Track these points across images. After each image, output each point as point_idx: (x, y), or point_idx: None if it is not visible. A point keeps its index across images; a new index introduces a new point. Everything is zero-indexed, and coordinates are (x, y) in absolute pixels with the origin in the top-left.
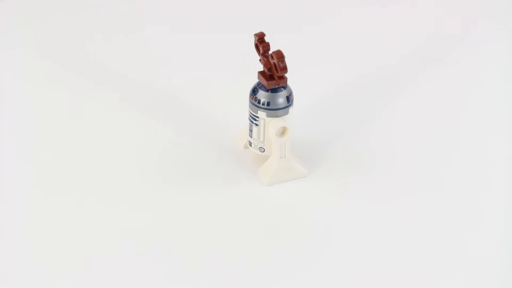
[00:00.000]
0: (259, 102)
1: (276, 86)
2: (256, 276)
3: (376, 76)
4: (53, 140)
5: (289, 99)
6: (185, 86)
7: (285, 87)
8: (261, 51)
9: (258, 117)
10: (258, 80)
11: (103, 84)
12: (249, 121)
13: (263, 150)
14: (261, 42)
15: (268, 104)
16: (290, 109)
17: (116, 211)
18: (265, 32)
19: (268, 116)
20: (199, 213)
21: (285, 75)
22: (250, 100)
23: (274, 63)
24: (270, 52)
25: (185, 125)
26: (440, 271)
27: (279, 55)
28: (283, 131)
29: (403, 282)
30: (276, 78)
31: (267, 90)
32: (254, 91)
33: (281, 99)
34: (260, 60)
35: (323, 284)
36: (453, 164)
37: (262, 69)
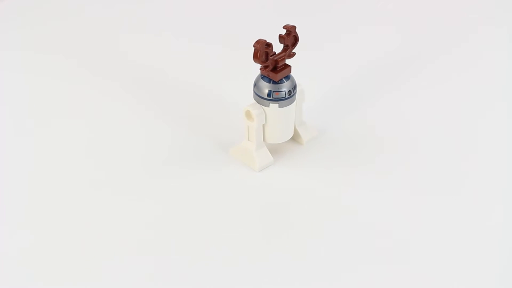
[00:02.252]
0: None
1: (262, 74)
2: (264, 265)
3: (383, 67)
4: (59, 134)
5: (271, 94)
6: (192, 77)
7: (273, 81)
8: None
9: None
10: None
11: (105, 79)
12: None
13: None
14: (287, 35)
15: (254, 85)
16: (273, 105)
17: (121, 203)
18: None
19: (254, 97)
20: (208, 203)
21: (278, 71)
22: None
23: None
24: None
25: (189, 117)
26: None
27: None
28: (246, 114)
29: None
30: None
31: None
32: None
33: (260, 88)
34: None
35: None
36: (461, 158)
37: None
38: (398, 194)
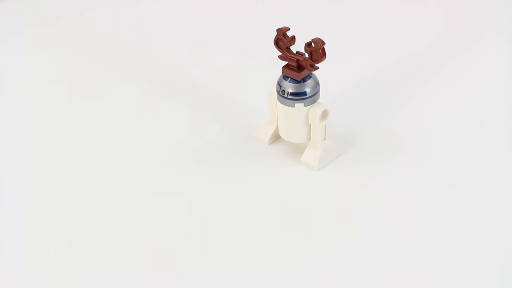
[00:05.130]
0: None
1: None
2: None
3: (405, 65)
4: (85, 129)
5: (277, 82)
6: (212, 75)
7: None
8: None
9: None
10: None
11: (133, 74)
12: None
13: None
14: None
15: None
16: (277, 94)
17: (151, 198)
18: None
19: None
20: (234, 200)
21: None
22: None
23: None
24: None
25: (214, 114)
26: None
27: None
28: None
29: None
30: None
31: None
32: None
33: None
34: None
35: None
36: (483, 155)
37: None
38: (418, 200)
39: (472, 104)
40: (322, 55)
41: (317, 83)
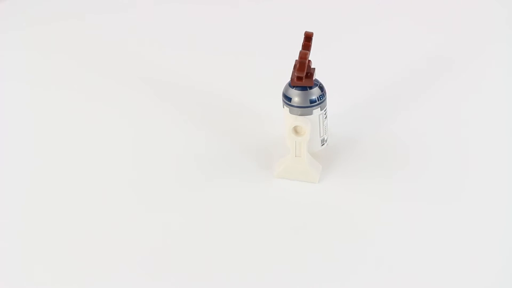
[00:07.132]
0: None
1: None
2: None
3: (409, 79)
4: (89, 139)
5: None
6: (221, 83)
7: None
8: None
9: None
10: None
11: (137, 84)
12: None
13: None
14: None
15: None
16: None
17: (154, 209)
18: (306, 30)
19: None
20: (235, 210)
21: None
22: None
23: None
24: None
25: (220, 122)
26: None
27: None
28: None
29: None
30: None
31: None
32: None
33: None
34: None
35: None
36: (487, 164)
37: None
38: (430, 207)
39: (476, 110)
40: (298, 68)
41: (311, 100)
